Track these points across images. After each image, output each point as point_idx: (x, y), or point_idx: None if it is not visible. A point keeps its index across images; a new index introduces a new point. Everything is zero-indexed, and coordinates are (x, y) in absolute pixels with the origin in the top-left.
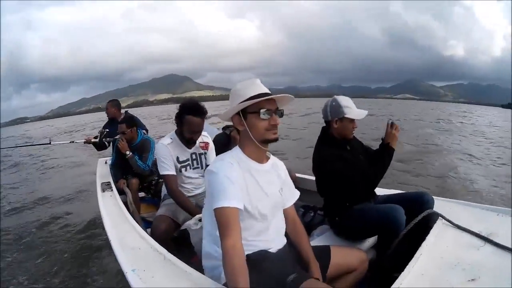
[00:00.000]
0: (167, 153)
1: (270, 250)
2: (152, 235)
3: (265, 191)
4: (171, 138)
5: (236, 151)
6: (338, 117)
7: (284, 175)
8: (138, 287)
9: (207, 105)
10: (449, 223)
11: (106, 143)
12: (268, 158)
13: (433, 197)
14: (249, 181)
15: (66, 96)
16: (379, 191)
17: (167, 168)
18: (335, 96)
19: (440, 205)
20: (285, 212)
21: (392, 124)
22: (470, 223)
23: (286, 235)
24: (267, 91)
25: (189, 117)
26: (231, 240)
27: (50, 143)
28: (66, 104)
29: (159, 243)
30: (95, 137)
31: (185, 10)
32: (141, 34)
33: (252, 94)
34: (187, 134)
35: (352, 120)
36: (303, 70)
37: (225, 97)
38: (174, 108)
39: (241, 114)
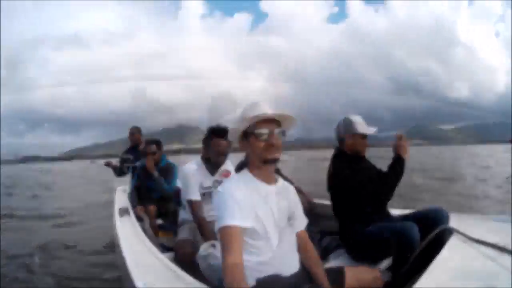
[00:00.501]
0: (193, 179)
1: (279, 273)
2: (176, 258)
3: (273, 212)
4: (197, 164)
5: (244, 173)
6: (350, 133)
7: (294, 198)
8: None
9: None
10: (464, 237)
11: (126, 168)
12: (276, 180)
13: (448, 212)
14: (256, 202)
15: (78, 139)
16: (393, 212)
17: (193, 193)
18: (346, 116)
19: (455, 220)
20: (297, 236)
21: (401, 136)
22: (486, 236)
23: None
24: (268, 111)
25: (216, 139)
26: (231, 258)
27: (71, 160)
28: (78, 148)
29: (182, 266)
30: (117, 162)
31: (193, 61)
32: (151, 84)
33: (252, 115)
34: (213, 156)
35: (363, 137)
36: (313, 122)
37: (235, 148)
38: (184, 158)
39: (244, 137)
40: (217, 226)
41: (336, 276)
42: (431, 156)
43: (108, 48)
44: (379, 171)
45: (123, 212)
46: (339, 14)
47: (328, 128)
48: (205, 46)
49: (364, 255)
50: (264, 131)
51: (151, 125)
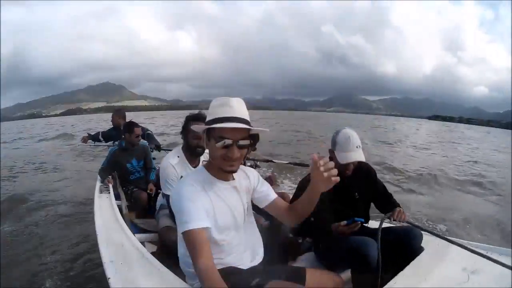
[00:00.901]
0: (173, 173)
1: (240, 266)
2: (161, 244)
3: (230, 208)
4: (178, 156)
5: (200, 170)
6: (333, 151)
7: (254, 179)
8: (112, 277)
9: (140, 115)
10: (432, 257)
11: (101, 138)
12: (233, 177)
13: (422, 232)
14: (214, 200)
15: (3, 101)
16: (372, 223)
17: (171, 188)
18: (342, 129)
19: (428, 240)
20: (274, 205)
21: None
22: (454, 259)
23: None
24: (237, 115)
25: (192, 123)
26: (203, 261)
27: None
28: (2, 108)
29: (167, 252)
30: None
31: (128, 20)
32: (85, 41)
33: (218, 116)
34: (191, 141)
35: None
36: (237, 84)
37: (158, 107)
38: (106, 117)
39: (207, 135)
40: (180, 231)
41: (297, 275)
42: (351, 122)
43: (45, 6)
44: (375, 190)
45: (104, 189)
46: None
47: (252, 90)
48: (138, 4)
49: (329, 261)
50: (224, 142)
51: (78, 82)
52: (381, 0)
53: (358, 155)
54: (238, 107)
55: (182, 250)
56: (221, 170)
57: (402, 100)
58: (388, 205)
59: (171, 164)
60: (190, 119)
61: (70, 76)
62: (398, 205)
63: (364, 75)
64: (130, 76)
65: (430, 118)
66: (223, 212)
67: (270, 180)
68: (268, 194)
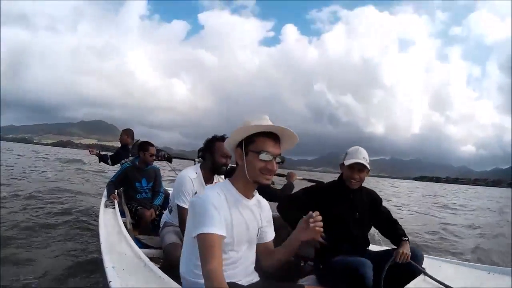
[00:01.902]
0: (190, 187)
1: (240, 282)
2: (166, 260)
3: (247, 224)
4: (196, 173)
5: (226, 183)
6: (342, 163)
7: (267, 213)
8: (113, 280)
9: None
10: (430, 279)
11: (109, 161)
12: (253, 196)
13: (424, 254)
14: (234, 213)
15: None
16: (373, 247)
17: (185, 200)
18: (356, 146)
19: (429, 262)
20: (266, 246)
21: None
22: (455, 281)
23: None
24: (275, 129)
25: (220, 143)
26: (212, 264)
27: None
28: None
29: (172, 268)
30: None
31: (127, 60)
32: (82, 75)
33: (257, 124)
34: (219, 159)
35: (350, 167)
36: (228, 135)
37: None
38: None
39: (243, 149)
40: (195, 232)
41: None
42: None
43: (50, 34)
44: (377, 213)
45: (109, 204)
46: (274, 38)
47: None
48: (139, 47)
49: (330, 283)
50: (266, 156)
51: (72, 115)
52: (371, 58)
53: (363, 161)
54: (271, 122)
55: (187, 255)
56: (256, 183)
57: (391, 161)
58: (393, 231)
59: (190, 178)
60: (216, 139)
61: (64, 108)
62: (403, 233)
63: (353, 134)
64: (123, 117)
65: (416, 179)
66: (239, 227)
67: (291, 176)
68: (267, 233)
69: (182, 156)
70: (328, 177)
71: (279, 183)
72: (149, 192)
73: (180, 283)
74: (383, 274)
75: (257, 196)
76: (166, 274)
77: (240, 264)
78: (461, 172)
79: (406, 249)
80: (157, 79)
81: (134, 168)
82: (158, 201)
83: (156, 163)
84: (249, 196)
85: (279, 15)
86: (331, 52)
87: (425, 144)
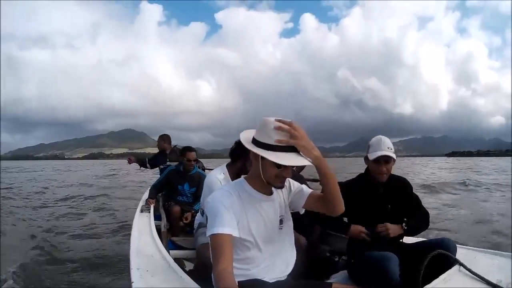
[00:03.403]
0: (216, 187)
1: (265, 279)
2: (199, 261)
3: (265, 220)
4: (223, 173)
5: (241, 182)
6: (366, 156)
7: (288, 188)
8: (136, 281)
9: None
10: (465, 269)
11: (148, 164)
12: (272, 192)
13: (457, 244)
14: (249, 211)
15: (27, 139)
16: (406, 239)
17: None
18: (377, 136)
19: (463, 252)
20: (312, 197)
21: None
22: (491, 272)
23: (293, 273)
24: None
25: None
26: (222, 265)
27: None
28: (24, 147)
29: (204, 269)
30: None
31: (150, 68)
32: (107, 87)
33: (277, 144)
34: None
35: (375, 161)
36: None
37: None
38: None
39: (257, 145)
40: (208, 233)
41: None
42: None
43: (69, 52)
44: (409, 206)
45: (145, 209)
46: (293, 29)
47: None
48: (159, 53)
49: (358, 279)
50: (281, 165)
51: (101, 127)
52: (390, 38)
53: (388, 152)
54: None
55: None
56: (270, 185)
57: (422, 140)
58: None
59: (218, 179)
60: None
61: (92, 121)
62: (414, 224)
63: (382, 117)
64: (151, 123)
65: (448, 155)
66: (257, 224)
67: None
68: (301, 191)
69: (210, 168)
70: (361, 161)
71: None
72: (191, 196)
73: (211, 284)
74: (421, 269)
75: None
76: (200, 275)
77: (264, 261)
78: (494, 144)
79: (392, 228)
80: (181, 83)
81: (177, 172)
82: (198, 206)
83: None
84: (267, 192)
85: (295, 5)
86: (351, 37)
87: (454, 120)
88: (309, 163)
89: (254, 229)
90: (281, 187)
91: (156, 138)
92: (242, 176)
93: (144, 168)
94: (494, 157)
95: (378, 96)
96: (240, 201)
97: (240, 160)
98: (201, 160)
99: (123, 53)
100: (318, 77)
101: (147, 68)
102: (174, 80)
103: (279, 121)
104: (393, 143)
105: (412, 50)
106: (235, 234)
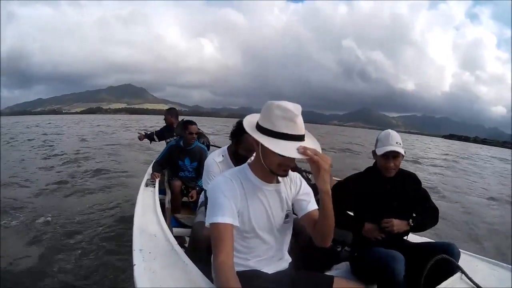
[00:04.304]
0: (216, 170)
1: (265, 270)
2: (192, 239)
3: (267, 210)
4: (223, 156)
5: (243, 169)
6: (374, 151)
7: (299, 187)
8: (137, 264)
9: (156, 118)
10: (467, 278)
11: (155, 137)
12: (277, 180)
13: (461, 250)
14: (251, 200)
15: (27, 94)
16: (411, 237)
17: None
18: (387, 130)
19: (466, 259)
20: (309, 216)
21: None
22: (491, 283)
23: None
24: (299, 132)
25: (246, 135)
26: (223, 255)
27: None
28: (22, 103)
29: (197, 247)
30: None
31: (155, 25)
32: (111, 44)
33: (281, 131)
34: (242, 152)
35: (383, 156)
36: (258, 93)
37: (178, 113)
38: (126, 118)
39: (259, 131)
40: (207, 221)
41: (324, 282)
42: (368, 137)
43: (73, 8)
44: (418, 201)
45: (150, 183)
46: None
47: (272, 99)
48: (165, 10)
49: (361, 273)
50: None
51: (103, 82)
52: (400, 14)
53: (396, 148)
54: (301, 123)
55: None
56: (274, 174)
57: (422, 118)
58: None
59: (216, 161)
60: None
61: (94, 76)
62: (421, 220)
63: (383, 90)
64: (153, 79)
65: (445, 137)
66: (258, 213)
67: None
68: (306, 203)
69: (217, 145)
70: (359, 131)
71: None
72: (193, 171)
73: (206, 264)
74: (424, 273)
75: (285, 178)
76: (193, 253)
77: (264, 252)
78: (492, 134)
79: (397, 223)
80: (185, 41)
81: (178, 147)
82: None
83: None
84: (271, 181)
85: None
86: (361, 9)
87: (456, 103)
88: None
89: (256, 219)
90: (285, 175)
91: (156, 95)
92: (246, 162)
93: (154, 141)
94: (491, 147)
95: (381, 69)
96: (242, 189)
97: (233, 144)
98: (201, 117)
99: (128, 10)
100: (323, 44)
101: (153, 25)
102: (179, 38)
103: (304, 148)
104: (393, 118)
105: (421, 29)
106: (236, 223)
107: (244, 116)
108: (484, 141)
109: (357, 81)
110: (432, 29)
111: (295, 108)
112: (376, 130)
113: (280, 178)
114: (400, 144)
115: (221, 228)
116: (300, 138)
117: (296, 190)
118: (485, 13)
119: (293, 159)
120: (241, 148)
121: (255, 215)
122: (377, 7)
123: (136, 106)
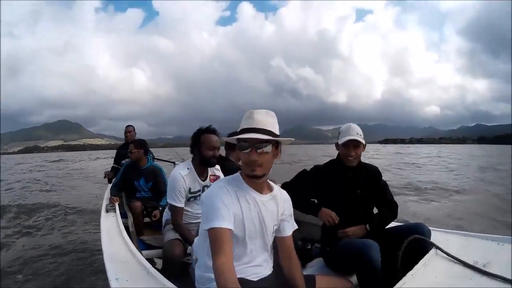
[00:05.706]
0: (181, 184)
1: (250, 278)
2: (165, 258)
3: (260, 220)
4: (188, 168)
5: (236, 178)
6: (337, 143)
7: (286, 206)
8: None
9: (97, 153)
10: (442, 253)
11: (117, 165)
12: (270, 189)
13: (430, 228)
14: (245, 209)
15: None
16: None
17: (177, 201)
18: (348, 123)
19: (437, 236)
20: (283, 241)
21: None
22: (466, 253)
23: (276, 267)
24: (258, 126)
25: (205, 135)
26: (223, 257)
27: None
28: None
29: (171, 266)
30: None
31: (88, 56)
32: (43, 77)
33: (242, 127)
34: (206, 153)
35: (344, 145)
36: (190, 120)
37: (114, 146)
38: (69, 155)
39: (238, 146)
40: (205, 227)
41: (307, 282)
42: (308, 152)
43: (8, 40)
44: (378, 190)
45: (110, 208)
46: (230, 17)
47: (205, 125)
48: (97, 41)
49: (337, 266)
50: (244, 144)
51: (37, 120)
52: (327, 29)
53: (357, 137)
54: (261, 119)
55: (199, 250)
56: (248, 176)
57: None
58: (377, 213)
59: (181, 175)
60: (203, 132)
61: (27, 113)
62: (380, 221)
63: (316, 106)
64: (87, 114)
65: (380, 142)
66: (251, 222)
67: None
68: (285, 227)
69: (161, 159)
70: (297, 148)
71: None
72: (149, 191)
73: (183, 282)
74: (399, 255)
75: (275, 191)
76: (168, 274)
77: (251, 259)
78: (428, 133)
79: (353, 230)
80: (117, 71)
81: (131, 167)
82: (164, 201)
83: (159, 163)
84: (261, 190)
85: None
86: (288, 27)
87: (389, 109)
88: (265, 137)
89: (247, 226)
90: (254, 175)
91: (92, 129)
92: (239, 172)
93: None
94: (426, 145)
95: (312, 85)
96: (236, 198)
97: (196, 151)
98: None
99: (62, 42)
100: (252, 65)
101: (85, 56)
102: (111, 69)
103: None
104: (328, 131)
105: (348, 42)
106: (232, 228)
107: (180, 145)
108: (420, 141)
109: (289, 99)
110: (359, 40)
111: (257, 110)
112: (314, 144)
113: (274, 192)
114: (360, 135)
115: (221, 232)
116: (259, 130)
117: (283, 209)
118: (411, 20)
119: (253, 154)
120: (204, 149)
121: (248, 223)
122: (303, 22)
123: (73, 143)
